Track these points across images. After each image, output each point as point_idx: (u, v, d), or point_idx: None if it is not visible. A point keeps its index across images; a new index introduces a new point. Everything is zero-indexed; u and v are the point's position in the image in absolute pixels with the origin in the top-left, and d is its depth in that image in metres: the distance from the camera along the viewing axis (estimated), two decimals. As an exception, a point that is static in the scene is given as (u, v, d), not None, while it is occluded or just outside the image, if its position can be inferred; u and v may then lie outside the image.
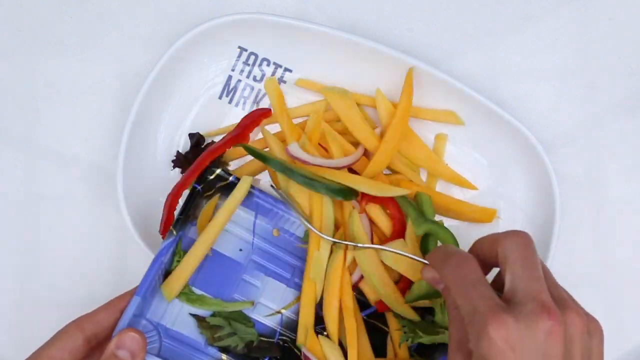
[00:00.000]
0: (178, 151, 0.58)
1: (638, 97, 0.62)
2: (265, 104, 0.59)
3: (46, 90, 0.60)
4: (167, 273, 0.51)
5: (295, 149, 0.54)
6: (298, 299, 0.54)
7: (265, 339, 0.52)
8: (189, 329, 0.51)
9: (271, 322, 0.53)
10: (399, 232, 0.54)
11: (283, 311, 0.53)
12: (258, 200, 0.54)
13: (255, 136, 0.59)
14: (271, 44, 0.58)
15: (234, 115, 0.59)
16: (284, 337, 0.53)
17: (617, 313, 0.61)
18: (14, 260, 0.59)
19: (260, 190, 0.54)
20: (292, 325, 0.53)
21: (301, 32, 0.56)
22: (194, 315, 0.51)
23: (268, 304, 0.54)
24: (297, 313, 0.54)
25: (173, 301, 0.51)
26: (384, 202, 0.55)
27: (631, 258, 0.61)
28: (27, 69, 0.60)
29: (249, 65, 0.59)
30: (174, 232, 0.51)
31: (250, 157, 0.58)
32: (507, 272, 0.39)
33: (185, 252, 0.51)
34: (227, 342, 0.51)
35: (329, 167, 0.54)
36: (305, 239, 0.54)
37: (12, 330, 0.59)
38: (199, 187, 0.52)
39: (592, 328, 0.39)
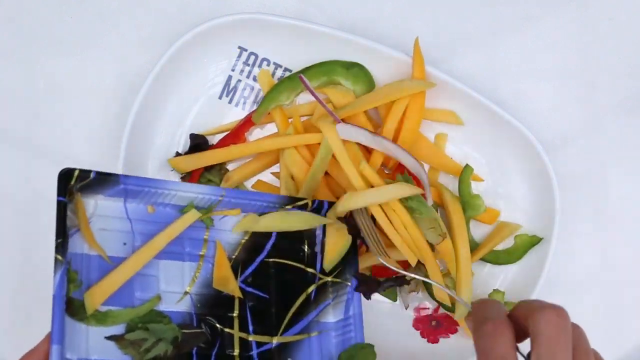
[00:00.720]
0: (177, 152, 0.58)
1: (638, 97, 0.62)
2: (265, 104, 0.59)
3: (46, 90, 0.60)
4: (68, 301, 0.48)
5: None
6: (199, 269, 0.50)
7: (187, 330, 0.48)
8: (113, 354, 0.47)
9: (184, 307, 0.49)
10: None
11: (189, 290, 0.50)
12: (125, 187, 0.49)
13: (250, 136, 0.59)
14: (271, 44, 0.58)
15: (234, 115, 0.59)
16: (204, 318, 0.49)
17: (617, 313, 0.61)
18: (14, 260, 0.59)
19: (126, 176, 0.49)
20: (205, 300, 0.50)
21: (301, 32, 0.56)
22: (111, 337, 0.47)
23: (173, 289, 0.50)
24: (205, 285, 0.50)
25: (89, 329, 0.47)
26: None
27: (631, 258, 0.61)
28: (27, 69, 0.60)
29: (249, 65, 0.59)
30: (60, 259, 0.47)
31: (249, 158, 0.58)
32: (534, 349, 0.38)
33: (76, 271, 0.48)
34: (155, 352, 0.47)
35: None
36: (188, 209, 0.50)
37: (12, 330, 0.59)
38: (64, 199, 0.47)
39: None
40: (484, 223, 0.58)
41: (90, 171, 0.48)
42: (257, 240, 0.52)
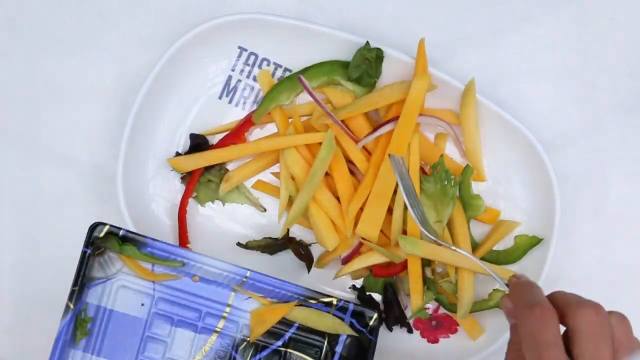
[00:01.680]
0: (177, 152, 0.58)
1: (638, 97, 0.62)
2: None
3: (46, 90, 0.60)
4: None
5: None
6: (210, 342, 0.52)
7: None
8: None
9: None
10: None
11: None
12: (152, 250, 0.50)
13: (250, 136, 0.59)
14: (271, 44, 0.58)
15: (234, 115, 0.59)
16: None
17: (617, 313, 0.61)
18: (14, 260, 0.59)
19: (154, 239, 0.50)
20: None
21: (301, 32, 0.56)
22: None
23: (179, 357, 0.51)
24: (212, 358, 0.51)
25: None
26: None
27: (631, 258, 0.61)
28: (27, 69, 0.60)
29: (249, 65, 0.59)
30: (71, 306, 0.49)
31: (249, 158, 0.58)
32: (574, 343, 0.38)
33: (91, 319, 0.50)
34: None
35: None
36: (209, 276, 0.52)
37: (12, 330, 0.59)
38: (88, 251, 0.49)
39: None
40: (485, 223, 0.58)
41: (120, 229, 0.50)
42: (277, 327, 0.52)
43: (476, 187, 0.58)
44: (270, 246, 0.58)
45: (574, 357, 0.37)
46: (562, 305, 0.39)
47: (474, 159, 0.57)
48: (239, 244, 0.58)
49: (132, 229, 0.54)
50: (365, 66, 0.55)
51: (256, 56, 0.58)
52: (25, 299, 0.59)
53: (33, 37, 0.60)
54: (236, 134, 0.58)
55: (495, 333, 0.56)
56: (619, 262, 0.61)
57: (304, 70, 0.57)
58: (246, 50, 0.58)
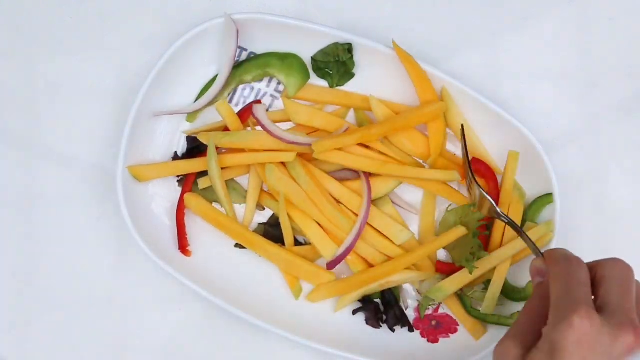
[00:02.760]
0: (175, 152, 0.58)
1: (638, 97, 0.62)
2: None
3: (46, 90, 0.60)
4: None
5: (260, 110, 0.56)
6: None
7: None
8: None
9: None
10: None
11: None
12: None
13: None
14: (271, 44, 0.58)
15: (234, 115, 0.59)
16: None
17: (617, 313, 0.61)
18: (14, 260, 0.59)
19: None
20: None
21: (301, 32, 0.56)
22: None
23: None
24: None
25: None
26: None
27: (631, 258, 0.61)
28: (27, 69, 0.60)
29: (249, 65, 0.59)
30: None
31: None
32: (602, 286, 0.39)
33: None
34: None
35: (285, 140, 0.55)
36: None
37: (12, 330, 0.59)
38: None
39: None
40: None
41: None
42: None
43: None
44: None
45: (598, 298, 0.39)
46: (593, 265, 0.41)
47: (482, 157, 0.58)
48: (237, 245, 0.58)
49: (132, 229, 0.54)
50: (331, 62, 0.56)
51: (256, 56, 0.58)
52: (25, 299, 0.59)
53: (33, 37, 0.60)
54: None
55: (495, 335, 0.56)
56: (619, 262, 0.61)
57: (240, 64, 0.57)
58: (246, 50, 0.58)
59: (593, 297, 0.39)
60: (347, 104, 0.58)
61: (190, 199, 0.57)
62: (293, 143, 0.55)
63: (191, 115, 0.58)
